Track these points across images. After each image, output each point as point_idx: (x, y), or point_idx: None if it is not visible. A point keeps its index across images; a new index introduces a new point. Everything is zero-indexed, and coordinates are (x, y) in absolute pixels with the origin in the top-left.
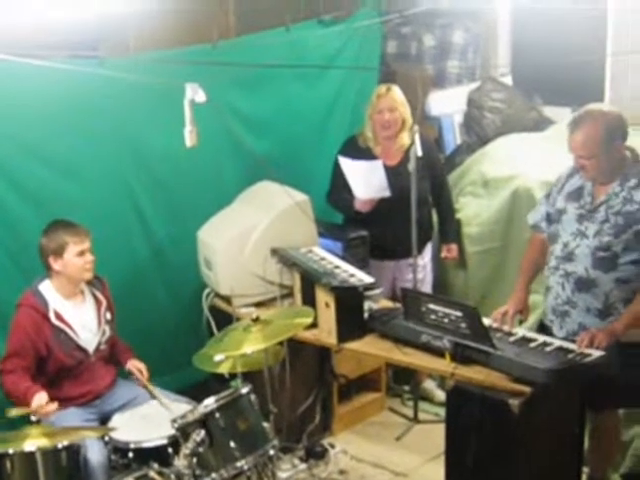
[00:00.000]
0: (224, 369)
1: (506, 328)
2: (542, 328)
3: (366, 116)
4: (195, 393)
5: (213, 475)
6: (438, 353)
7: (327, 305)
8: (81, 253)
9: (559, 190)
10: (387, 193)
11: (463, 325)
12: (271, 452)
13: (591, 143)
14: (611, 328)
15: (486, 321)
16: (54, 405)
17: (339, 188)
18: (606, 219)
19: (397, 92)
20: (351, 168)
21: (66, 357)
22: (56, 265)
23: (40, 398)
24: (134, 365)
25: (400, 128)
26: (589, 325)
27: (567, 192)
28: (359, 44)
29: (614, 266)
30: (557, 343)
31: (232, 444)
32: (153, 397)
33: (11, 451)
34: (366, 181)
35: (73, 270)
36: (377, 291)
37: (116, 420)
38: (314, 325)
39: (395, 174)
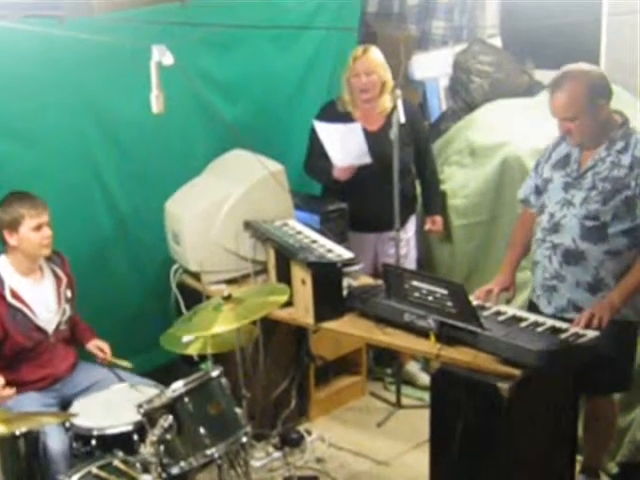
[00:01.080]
0: (193, 351)
1: (500, 308)
2: (531, 305)
3: (343, 80)
4: (162, 376)
5: (181, 463)
6: (422, 333)
7: (303, 282)
8: (38, 227)
9: (546, 160)
10: (367, 160)
11: (449, 303)
12: (243, 439)
13: (574, 103)
14: (609, 301)
15: (476, 300)
16: (11, 390)
17: (316, 156)
18: (593, 186)
19: (375, 53)
20: (327, 132)
21: (24, 338)
22: (11, 240)
23: None
24: (95, 345)
25: (380, 91)
26: (579, 300)
27: (554, 161)
28: (338, 3)
29: (604, 237)
30: (549, 323)
31: (202, 430)
32: (122, 367)
33: None
34: (344, 146)
35: (29, 245)
36: (357, 267)
37: (77, 405)
38: (289, 303)
39: (376, 140)
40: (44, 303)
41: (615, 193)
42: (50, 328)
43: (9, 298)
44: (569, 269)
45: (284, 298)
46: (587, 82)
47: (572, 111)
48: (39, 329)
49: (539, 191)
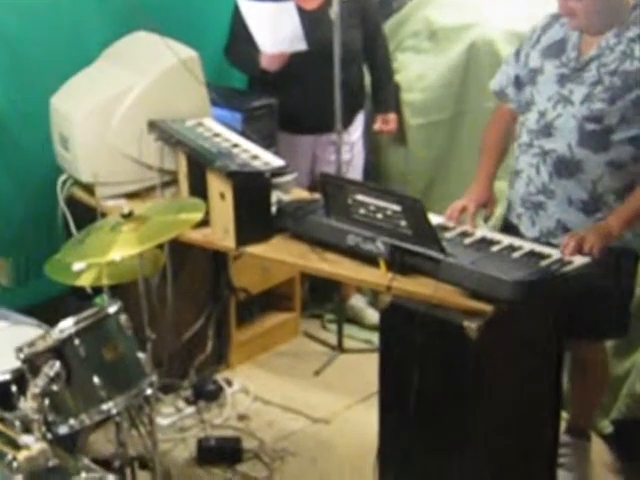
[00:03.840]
0: (86, 281)
1: (466, 228)
2: (507, 227)
3: None
4: (48, 313)
5: (71, 421)
6: (370, 260)
7: (222, 196)
8: None
9: (533, 45)
10: (302, 46)
11: (403, 223)
12: (148, 391)
13: None
14: (605, 226)
15: (436, 219)
16: None
17: (241, 40)
18: (598, 80)
19: None
20: (254, 12)
21: None
22: None
23: None
24: None
25: None
26: (570, 222)
27: (544, 46)
28: None
29: (607, 144)
30: (528, 247)
31: (96, 380)
32: None
33: None
34: (274, 29)
35: None
36: (289, 177)
37: None
38: (205, 223)
39: (314, 21)
40: None
41: (625, 91)
42: None
43: None
44: (561, 182)
45: (198, 216)
46: None
47: None
48: None
49: (521, 83)
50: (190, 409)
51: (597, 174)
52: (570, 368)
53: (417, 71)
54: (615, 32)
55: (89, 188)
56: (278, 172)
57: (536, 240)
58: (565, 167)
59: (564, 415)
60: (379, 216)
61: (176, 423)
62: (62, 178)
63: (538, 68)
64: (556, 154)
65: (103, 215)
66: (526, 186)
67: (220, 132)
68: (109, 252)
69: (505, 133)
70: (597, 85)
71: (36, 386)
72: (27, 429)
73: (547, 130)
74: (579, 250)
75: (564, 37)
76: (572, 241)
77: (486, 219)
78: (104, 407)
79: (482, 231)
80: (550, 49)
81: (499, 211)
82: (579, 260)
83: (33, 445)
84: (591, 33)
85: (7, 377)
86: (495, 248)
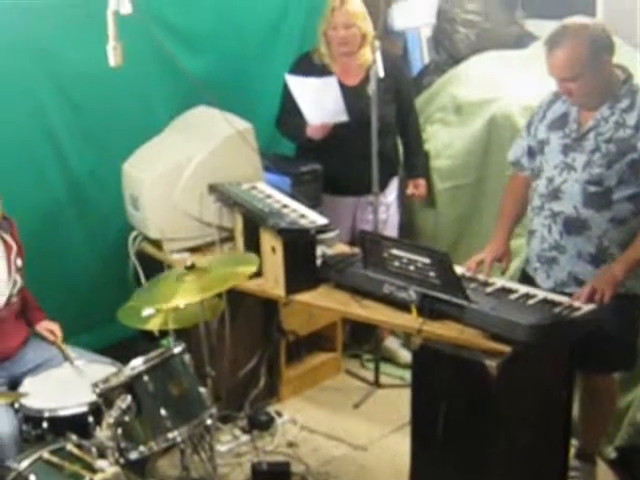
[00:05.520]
0: (153, 325)
1: (488, 279)
2: (525, 278)
3: (319, 32)
4: (120, 353)
5: (141, 448)
6: (403, 306)
7: (273, 250)
8: None
9: (540, 119)
10: (344, 118)
11: (432, 274)
12: (208, 421)
13: (576, 61)
14: (612, 275)
15: (459, 270)
16: None
17: (289, 113)
18: (596, 148)
19: (354, 4)
20: (301, 86)
21: None
22: None
23: None
24: (45, 327)
25: (360, 44)
26: (580, 273)
27: (549, 120)
28: None
29: (608, 203)
30: (541, 295)
31: (163, 412)
32: (67, 359)
33: None
34: (319, 102)
35: None
36: (332, 234)
37: (28, 384)
38: (258, 274)
39: (354, 96)
40: None
41: (620, 155)
42: (1, 301)
43: None
44: (570, 239)
45: (252, 268)
46: (588, 38)
47: (573, 71)
48: None
49: (533, 153)
50: (245, 437)
51: (602, 230)
52: (580, 399)
53: (444, 141)
54: (609, 105)
55: (157, 243)
56: (322, 229)
57: (551, 290)
58: (573, 226)
59: (573, 442)
60: (411, 268)
61: (233, 449)
62: (133, 234)
63: (545, 139)
64: (564, 215)
65: (169, 267)
66: (540, 244)
67: (272, 194)
68: (174, 299)
69: (520, 198)
70: (596, 152)
71: (110, 417)
72: (102, 455)
73: (555, 194)
74: (591, 299)
75: (566, 112)
76: (584, 292)
77: (503, 272)
78: (170, 435)
79: (501, 281)
80: (554, 122)
81: (516, 264)
82: (586, 307)
83: (107, 469)
84: (588, 108)
85: (85, 409)
86: (513, 296)
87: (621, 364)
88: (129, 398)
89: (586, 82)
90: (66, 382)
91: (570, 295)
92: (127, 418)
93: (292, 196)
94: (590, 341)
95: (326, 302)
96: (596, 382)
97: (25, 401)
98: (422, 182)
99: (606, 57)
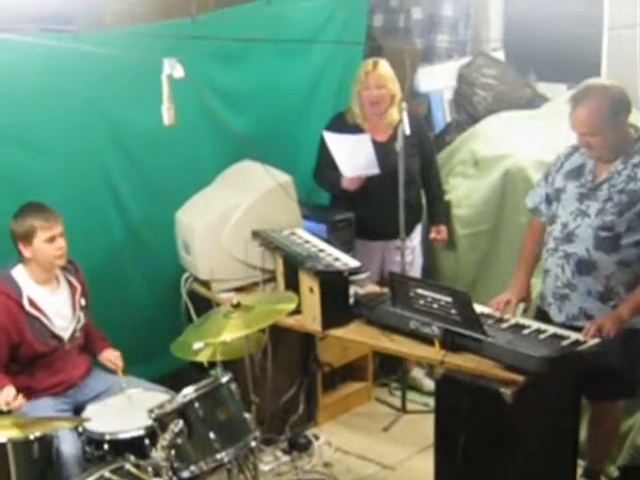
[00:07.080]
0: (203, 357)
1: (508, 317)
2: (540, 313)
3: (353, 92)
4: (173, 382)
5: (192, 467)
6: (427, 340)
7: (311, 290)
8: (51, 239)
9: (558, 169)
10: (375, 170)
11: (453, 311)
12: (252, 444)
13: (597, 118)
14: (617, 314)
15: (480, 308)
16: (23, 400)
17: (325, 166)
18: (609, 197)
19: (385, 67)
20: (337, 143)
21: (40, 345)
22: (26, 252)
23: (7, 393)
24: (107, 357)
25: (389, 104)
26: (590, 309)
27: (566, 170)
28: (344, 17)
29: (616, 247)
30: (551, 330)
31: (212, 435)
32: (122, 389)
33: None
34: (353, 157)
35: (43, 257)
36: (363, 275)
37: (90, 410)
38: (297, 311)
39: (384, 151)
40: (60, 311)
41: (631, 205)
42: (65, 335)
43: (27, 307)
44: (581, 278)
45: (292, 306)
46: (609, 98)
47: (594, 127)
48: (55, 336)
49: (550, 200)
50: (286, 458)
51: (610, 271)
52: (587, 423)
53: (464, 192)
54: (622, 159)
55: (206, 284)
56: (355, 271)
57: (563, 324)
58: (584, 266)
59: (580, 462)
60: (435, 306)
61: (274, 469)
62: (185, 276)
63: (562, 188)
64: (577, 256)
65: (217, 305)
66: (554, 281)
67: (309, 239)
68: (222, 334)
69: (538, 242)
70: (608, 202)
71: (164, 440)
72: (157, 474)
73: (569, 237)
74: (597, 334)
75: (582, 163)
76: (592, 327)
77: (525, 310)
78: (218, 456)
79: (515, 318)
80: (571, 173)
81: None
82: (592, 340)
83: None
84: (604, 161)
85: (141, 432)
86: (526, 331)
87: (623, 392)
88: (181, 423)
89: (604, 137)
90: (125, 408)
91: (581, 328)
92: (179, 441)
93: (328, 241)
94: (595, 371)
95: (358, 336)
96: (601, 408)
97: (88, 425)
98: (443, 228)
99: (623, 116)
